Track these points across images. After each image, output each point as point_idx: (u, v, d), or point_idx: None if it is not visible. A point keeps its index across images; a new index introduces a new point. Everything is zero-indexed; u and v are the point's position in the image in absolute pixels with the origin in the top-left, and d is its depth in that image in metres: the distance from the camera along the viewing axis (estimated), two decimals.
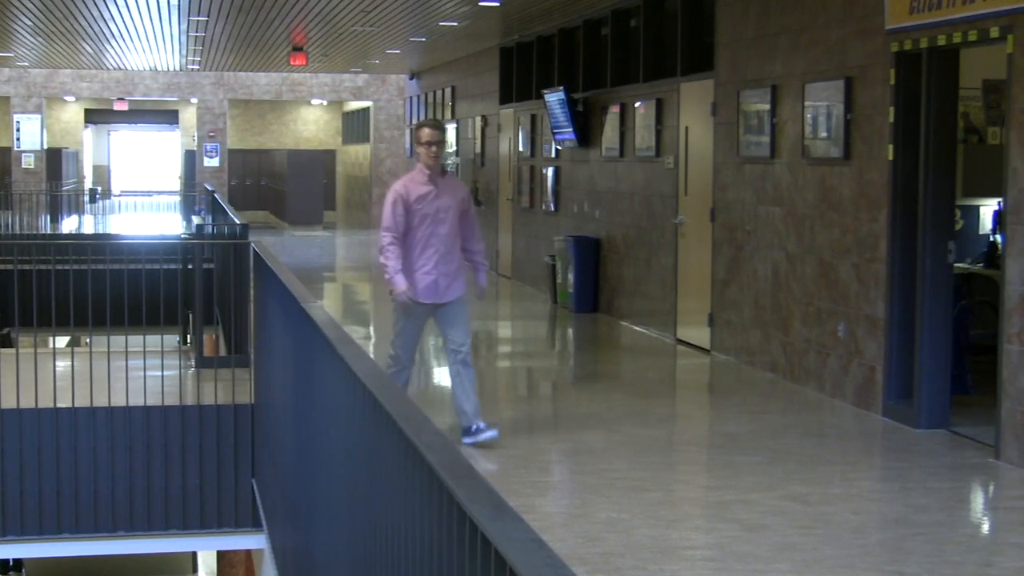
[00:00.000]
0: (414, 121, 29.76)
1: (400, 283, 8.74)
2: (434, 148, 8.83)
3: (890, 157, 9.64)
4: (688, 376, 12.72)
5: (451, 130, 25.61)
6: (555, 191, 18.48)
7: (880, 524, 7.16)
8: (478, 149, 23.12)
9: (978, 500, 8.04)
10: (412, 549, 3.48)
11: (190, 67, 31.01)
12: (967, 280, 10.74)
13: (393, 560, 3.79)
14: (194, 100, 37.75)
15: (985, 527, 7.39)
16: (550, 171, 18.67)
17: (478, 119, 23.10)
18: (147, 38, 22.83)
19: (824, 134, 10.72)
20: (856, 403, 10.10)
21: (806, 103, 10.97)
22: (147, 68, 32.05)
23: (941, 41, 9.03)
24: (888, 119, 9.67)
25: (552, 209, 18.58)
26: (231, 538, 9.56)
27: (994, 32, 8.45)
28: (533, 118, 19.57)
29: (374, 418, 3.99)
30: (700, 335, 13.26)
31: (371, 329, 16.36)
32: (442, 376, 13.02)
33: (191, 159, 38.91)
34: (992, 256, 10.70)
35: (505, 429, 9.97)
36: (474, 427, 8.84)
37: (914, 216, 9.48)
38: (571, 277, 16.47)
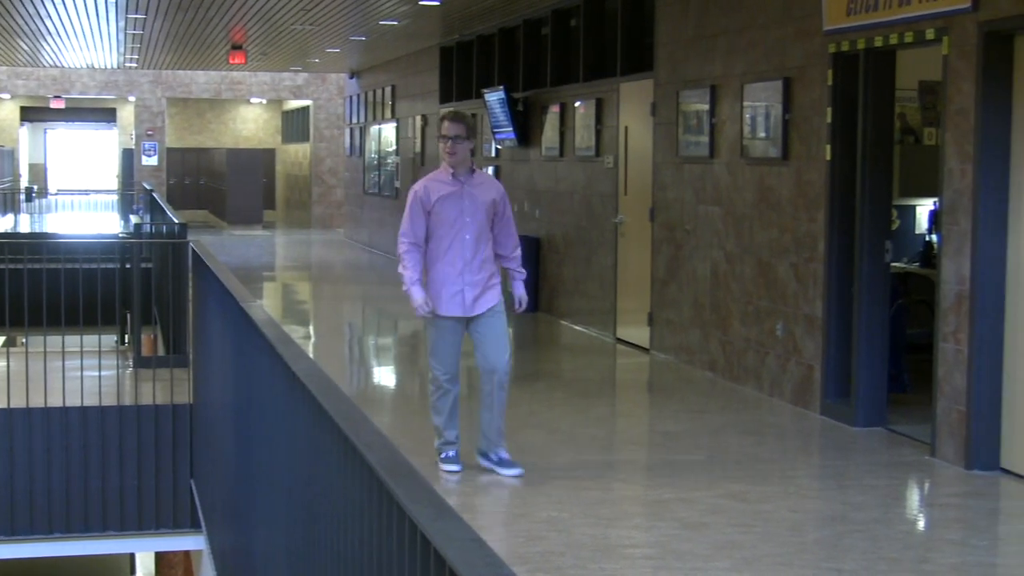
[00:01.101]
0: (354, 120, 29.66)
1: (417, 295, 7.79)
2: (451, 143, 7.83)
3: (828, 157, 9.71)
4: (628, 375, 12.76)
5: (391, 129, 25.56)
6: None
7: (818, 522, 7.21)
8: (418, 148, 23.09)
9: (914, 497, 8.12)
10: (352, 549, 3.47)
11: (128, 65, 30.79)
12: (904, 279, 10.84)
13: (333, 560, 3.77)
14: (132, 98, 37.47)
15: (921, 524, 7.46)
16: (490, 170, 18.67)
17: (418, 118, 23.07)
18: (84, 36, 22.64)
19: (763, 134, 10.78)
20: (794, 402, 10.17)
21: (745, 103, 11.03)
22: (84, 66, 31.79)
23: (878, 42, 9.11)
24: (826, 119, 9.74)
25: None
26: (169, 539, 9.50)
27: (930, 34, 8.53)
28: (473, 118, 19.55)
29: (313, 418, 3.98)
30: (640, 334, 13.30)
31: (311, 329, 16.30)
32: (394, 378, 12.99)
33: (129, 158, 38.61)
34: (928, 256, 10.80)
35: None
36: (495, 456, 7.96)
37: (851, 216, 9.55)
38: None
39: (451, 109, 7.95)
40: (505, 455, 7.95)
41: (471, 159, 7.96)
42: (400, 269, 7.88)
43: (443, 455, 8.05)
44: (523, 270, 8.21)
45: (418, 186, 7.98)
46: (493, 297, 7.94)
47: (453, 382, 7.99)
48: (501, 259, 8.08)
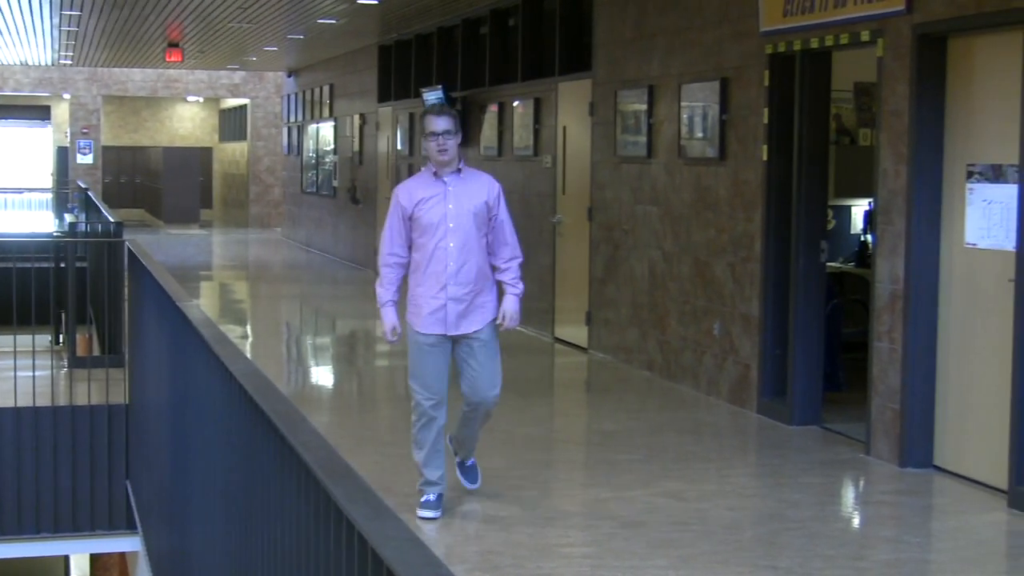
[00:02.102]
0: (292, 119, 29.52)
1: (387, 319, 6.90)
2: (440, 140, 6.88)
3: (764, 158, 9.77)
4: (566, 375, 12.78)
5: (329, 128, 25.48)
6: None
7: (754, 519, 7.26)
8: (356, 147, 23.03)
9: (849, 495, 8.18)
10: (289, 549, 3.46)
11: (62, 62, 30.50)
12: (839, 279, 10.93)
13: (270, 560, 3.76)
14: (67, 96, 37.13)
15: (856, 521, 7.52)
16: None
17: (356, 117, 23.00)
18: (17, 32, 22.41)
19: (700, 134, 10.83)
20: (731, 400, 10.23)
21: (682, 103, 11.08)
22: (17, 62, 31.46)
23: (814, 44, 9.18)
24: (762, 120, 9.80)
25: None
26: (105, 541, 9.43)
27: (865, 36, 8.60)
28: (411, 116, 19.54)
29: (250, 418, 3.96)
30: (578, 334, 13.33)
31: (248, 328, 16.22)
32: (332, 377, 12.94)
33: (64, 156, 38.27)
34: (863, 255, 10.90)
35: (384, 428, 9.95)
36: (469, 462, 7.44)
37: (788, 216, 9.62)
38: None
39: (432, 104, 7.17)
40: (472, 462, 7.44)
41: (459, 156, 7.06)
42: (376, 285, 7.08)
43: (423, 498, 7.01)
44: (519, 284, 7.12)
45: (400, 189, 7.11)
46: (483, 316, 7.00)
47: (438, 408, 6.97)
48: (495, 271, 7.11)
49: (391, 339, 6.91)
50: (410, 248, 7.00)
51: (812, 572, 6.21)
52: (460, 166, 7.02)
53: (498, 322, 7.02)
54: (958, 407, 8.03)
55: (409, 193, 7.02)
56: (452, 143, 6.90)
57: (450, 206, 6.93)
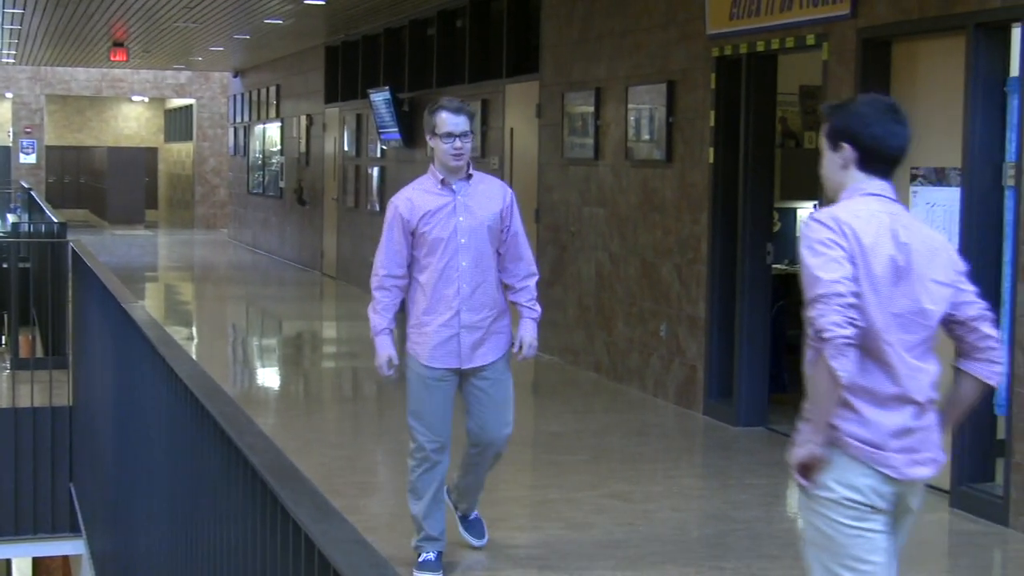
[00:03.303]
0: (238, 119, 29.38)
1: (382, 349, 6.07)
2: (458, 143, 5.94)
3: (711, 160, 9.82)
4: (513, 376, 12.76)
5: (275, 129, 25.38)
6: (380, 191, 18.44)
7: (700, 520, 7.29)
8: (303, 148, 22.96)
9: (794, 496, 8.23)
10: (235, 551, 3.44)
11: (5, 60, 30.23)
12: (785, 281, 10.98)
13: (215, 563, 3.75)
14: (9, 95, 36.79)
15: (801, 522, 7.56)
16: (375, 171, 18.63)
17: (303, 118, 22.93)
18: None
19: (647, 136, 10.87)
20: (678, 402, 10.27)
21: (629, 106, 11.11)
22: None
23: (760, 47, 9.23)
24: (709, 123, 9.85)
25: (377, 209, 18.52)
26: (48, 544, 9.35)
27: (810, 39, 8.66)
28: (358, 117, 19.51)
29: (196, 420, 3.94)
30: None
31: (194, 330, 16.14)
32: (279, 379, 12.89)
33: (6, 155, 37.92)
34: None
35: (331, 430, 9.93)
36: (473, 516, 6.54)
37: (734, 218, 9.67)
38: None
39: (447, 99, 6.05)
40: (476, 514, 6.54)
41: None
42: (369, 310, 6.17)
43: (421, 557, 6.17)
44: (537, 306, 6.25)
45: (399, 199, 6.07)
46: (499, 345, 6.18)
47: (442, 452, 6.17)
48: (508, 291, 6.23)
49: (387, 372, 6.06)
50: (410, 267, 6.07)
51: (757, 572, 6.24)
52: (471, 171, 6.07)
53: (514, 351, 6.20)
54: None
55: (411, 204, 5.99)
56: (469, 146, 5.98)
57: (461, 219, 5.96)
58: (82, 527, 8.53)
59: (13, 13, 19.24)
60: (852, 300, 3.73)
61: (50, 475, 9.07)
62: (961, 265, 4.01)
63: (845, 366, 3.69)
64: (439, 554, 6.17)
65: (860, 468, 3.85)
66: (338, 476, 8.06)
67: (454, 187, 6.00)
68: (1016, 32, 7.15)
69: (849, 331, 3.68)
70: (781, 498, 8.02)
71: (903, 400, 3.85)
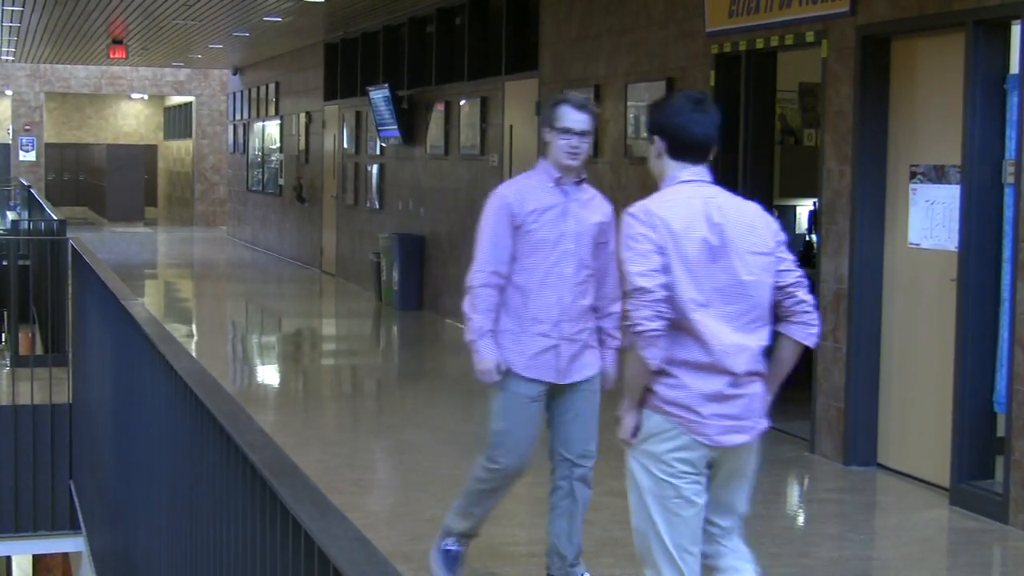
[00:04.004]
0: (237, 117, 29.37)
1: (487, 353, 5.55)
2: (575, 141, 5.50)
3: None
4: None
5: (275, 126, 25.37)
6: (379, 188, 18.44)
7: None
8: (302, 146, 22.96)
9: (794, 493, 8.23)
10: (235, 548, 3.45)
11: (4, 58, 30.22)
12: None
13: (215, 560, 3.75)
14: (8, 92, 36.79)
15: (801, 519, 7.57)
16: (374, 168, 18.63)
17: (302, 116, 22.93)
18: None
19: (646, 134, 10.85)
20: None
21: (628, 103, 11.11)
22: None
23: (759, 44, 9.23)
24: None
25: (376, 206, 18.53)
26: (47, 541, 9.35)
27: (809, 37, 8.66)
28: (358, 115, 19.50)
29: (195, 417, 3.94)
30: None
31: (193, 327, 16.14)
32: (278, 376, 12.89)
33: (5, 153, 37.92)
34: (807, 255, 10.96)
35: (330, 427, 9.93)
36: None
37: None
38: (395, 275, 16.46)
39: (573, 93, 5.72)
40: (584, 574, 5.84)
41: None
42: (466, 309, 5.70)
43: (447, 546, 5.88)
44: (617, 335, 5.64)
45: (507, 190, 5.63)
46: (593, 360, 5.64)
47: (519, 478, 5.80)
48: (594, 312, 5.65)
49: (495, 378, 5.54)
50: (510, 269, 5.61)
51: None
52: (584, 175, 5.67)
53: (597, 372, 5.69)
54: (901, 406, 8.10)
55: (521, 197, 5.54)
56: (587, 147, 5.58)
57: (570, 222, 5.52)
58: (82, 524, 8.53)
59: (12, 11, 19.23)
60: (660, 294, 4.07)
61: (50, 472, 9.07)
62: (781, 236, 4.36)
63: (655, 355, 4.09)
64: (465, 548, 5.90)
65: (674, 431, 4.20)
66: (337, 473, 8.07)
67: (566, 188, 5.56)
68: (1015, 29, 7.15)
69: (657, 324, 4.06)
70: (780, 495, 8.02)
71: (716, 370, 4.18)
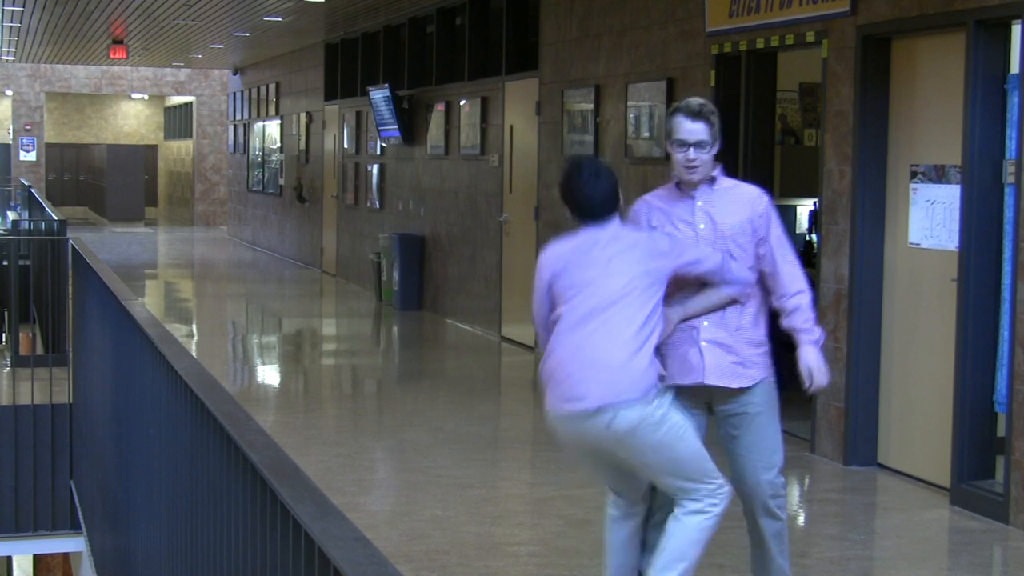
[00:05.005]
0: (237, 117, 29.37)
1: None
2: (691, 154, 5.22)
3: None
4: (512, 373, 12.79)
5: (275, 126, 25.37)
6: (380, 188, 18.44)
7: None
8: (302, 146, 22.96)
9: (794, 493, 8.23)
10: (235, 549, 3.45)
11: (4, 58, 30.22)
12: None
13: (215, 560, 3.75)
14: (9, 92, 36.79)
15: (801, 519, 7.56)
16: (375, 168, 18.63)
17: (303, 115, 22.93)
18: None
19: (646, 134, 10.87)
20: None
21: (629, 103, 11.11)
22: None
23: (759, 44, 9.23)
24: None
25: (377, 206, 18.53)
26: (48, 541, 9.35)
27: (810, 37, 8.65)
28: (358, 115, 19.50)
29: (196, 417, 3.94)
30: (524, 332, 13.34)
31: (193, 327, 16.14)
32: (278, 376, 12.89)
33: (6, 153, 37.93)
34: (808, 255, 10.95)
35: (330, 427, 9.93)
36: None
37: None
38: (396, 275, 16.46)
39: (690, 99, 5.37)
40: None
41: (714, 164, 5.32)
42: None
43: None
44: (814, 328, 5.33)
45: (640, 201, 5.52)
46: (753, 371, 5.30)
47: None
48: (781, 317, 5.39)
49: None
50: None
51: None
52: (715, 174, 5.32)
53: (805, 385, 5.37)
54: (901, 406, 8.09)
55: (649, 207, 5.42)
56: (707, 156, 5.24)
57: (701, 226, 5.28)
58: (82, 524, 8.53)
59: (13, 11, 19.23)
60: (544, 324, 5.18)
61: (50, 472, 9.07)
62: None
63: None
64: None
65: None
66: (337, 473, 8.07)
67: (694, 194, 5.31)
68: (1016, 29, 7.15)
69: (544, 343, 5.17)
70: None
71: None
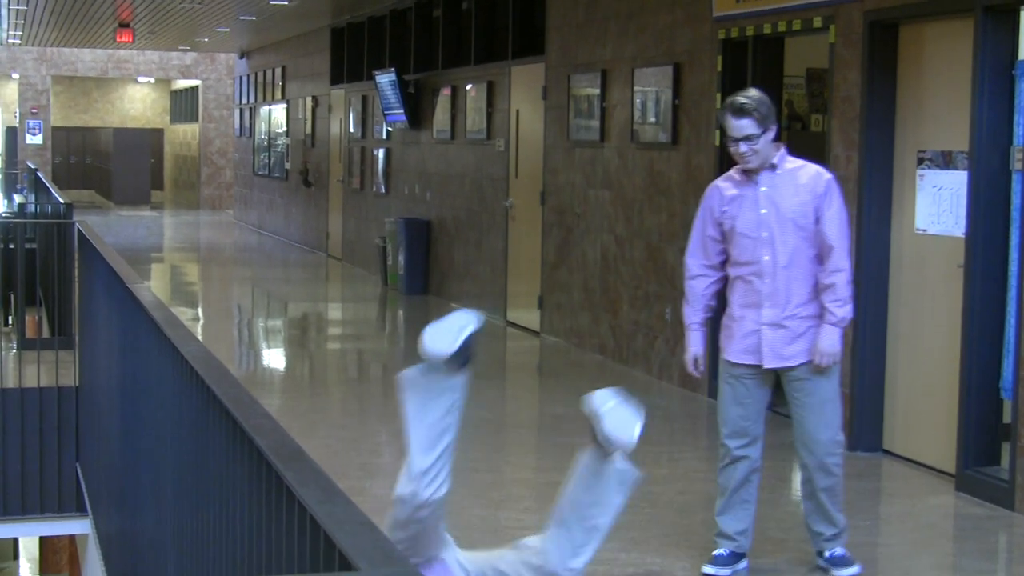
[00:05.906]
0: (243, 101, 29.35)
1: (692, 346, 5.92)
2: (742, 147, 5.69)
3: (716, 143, 9.80)
4: (518, 358, 12.79)
5: (281, 110, 25.35)
6: (386, 173, 18.43)
7: (705, 503, 7.28)
8: (308, 130, 22.95)
9: (797, 478, 8.22)
10: (241, 532, 3.45)
11: (11, 41, 30.21)
12: None
13: (221, 544, 3.75)
14: (15, 76, 36.78)
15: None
16: (381, 153, 18.62)
17: (308, 100, 22.92)
18: None
19: (652, 119, 10.85)
20: (682, 385, 10.27)
21: (635, 88, 11.09)
22: None
23: (766, 29, 9.21)
24: (715, 105, 9.83)
25: (383, 191, 18.52)
26: (54, 523, 9.38)
27: (817, 22, 8.64)
28: (364, 99, 19.49)
29: (202, 400, 3.95)
30: (530, 317, 13.35)
31: (199, 311, 16.15)
32: (284, 360, 12.90)
33: (12, 136, 37.95)
34: None
35: (335, 411, 9.94)
36: (829, 553, 6.00)
37: None
38: (401, 259, 16.45)
39: (734, 98, 5.74)
40: (839, 552, 5.97)
41: (775, 147, 5.76)
42: (684, 303, 6.00)
43: (715, 552, 6.03)
44: (839, 310, 5.68)
45: (710, 189, 5.96)
46: (807, 346, 5.75)
47: (744, 447, 5.90)
48: (820, 289, 5.74)
49: (693, 372, 5.95)
50: (724, 260, 5.86)
51: (761, 555, 6.24)
52: (776, 160, 5.75)
53: (817, 361, 5.71)
54: (907, 392, 8.09)
55: (720, 194, 5.83)
56: (759, 146, 5.66)
57: (763, 211, 5.69)
58: (88, 507, 8.54)
59: None
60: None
61: (56, 455, 9.08)
62: None
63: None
64: (732, 553, 5.98)
65: None
66: (343, 457, 8.08)
67: (757, 179, 5.72)
68: None
69: None
70: (784, 481, 8.02)
71: None
